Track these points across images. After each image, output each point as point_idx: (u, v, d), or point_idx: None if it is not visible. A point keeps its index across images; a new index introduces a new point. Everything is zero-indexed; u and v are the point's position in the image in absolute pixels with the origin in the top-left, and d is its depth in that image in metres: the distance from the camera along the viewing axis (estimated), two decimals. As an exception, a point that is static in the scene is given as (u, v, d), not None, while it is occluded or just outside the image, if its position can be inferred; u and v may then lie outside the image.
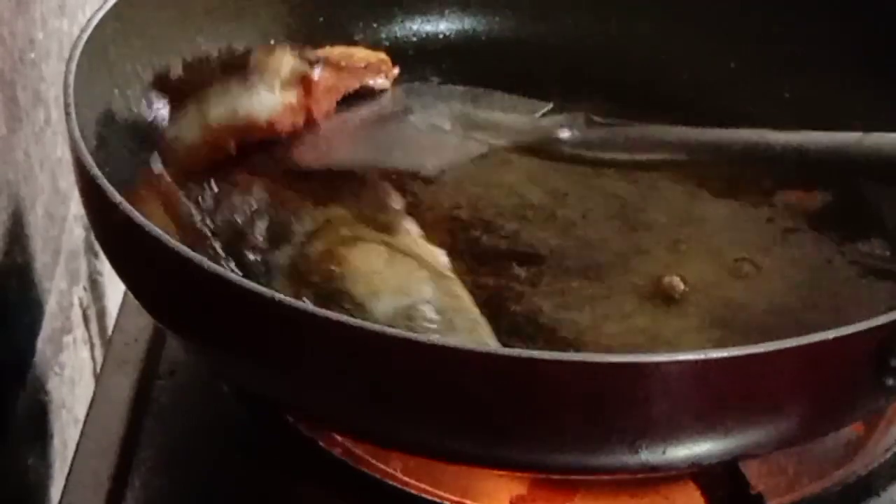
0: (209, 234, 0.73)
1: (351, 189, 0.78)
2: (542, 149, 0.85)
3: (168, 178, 0.76)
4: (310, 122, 0.82)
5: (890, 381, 0.61)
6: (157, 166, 0.78)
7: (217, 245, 0.73)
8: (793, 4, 0.90)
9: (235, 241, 0.73)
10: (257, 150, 0.80)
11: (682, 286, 0.75)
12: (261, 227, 0.74)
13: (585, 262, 0.76)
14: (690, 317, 0.74)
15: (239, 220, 0.74)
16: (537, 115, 0.87)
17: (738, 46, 0.90)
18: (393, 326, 0.66)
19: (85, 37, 0.76)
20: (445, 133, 0.86)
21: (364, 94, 0.86)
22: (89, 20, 0.78)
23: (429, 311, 0.68)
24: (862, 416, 0.72)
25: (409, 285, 0.70)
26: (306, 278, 0.71)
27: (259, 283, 0.67)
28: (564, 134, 0.85)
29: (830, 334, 0.60)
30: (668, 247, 0.78)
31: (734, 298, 0.75)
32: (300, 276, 0.71)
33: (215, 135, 0.79)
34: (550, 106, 0.88)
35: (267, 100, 0.80)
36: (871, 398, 0.64)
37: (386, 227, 0.75)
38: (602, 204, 0.81)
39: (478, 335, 0.68)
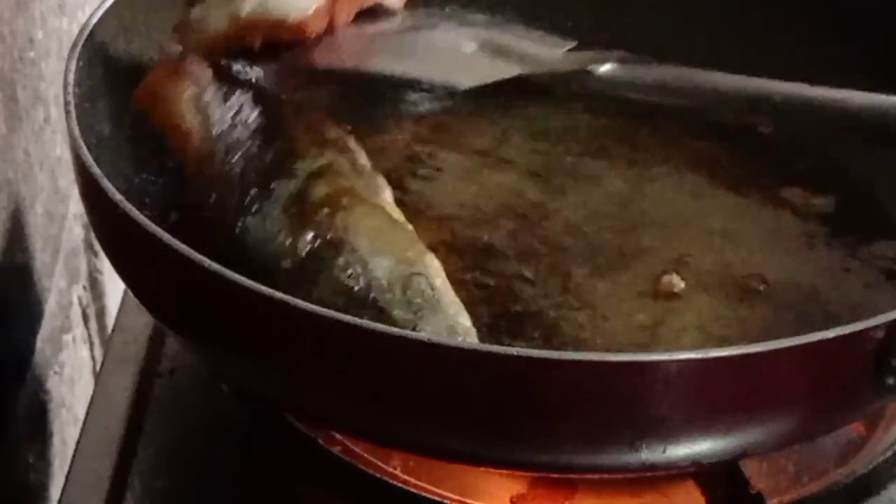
0: (216, 146, 0.72)
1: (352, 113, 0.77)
2: (572, 81, 0.84)
3: (198, 61, 0.76)
4: (330, 30, 0.80)
5: (890, 381, 0.61)
6: (176, 47, 0.78)
7: (223, 163, 0.72)
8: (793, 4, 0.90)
9: (239, 165, 0.73)
10: (269, 53, 0.79)
11: (681, 284, 0.75)
12: (264, 150, 0.73)
13: (585, 261, 0.76)
14: (691, 316, 0.74)
15: (245, 136, 0.73)
16: (566, 49, 0.86)
17: (738, 46, 0.90)
18: (390, 290, 0.66)
19: (85, 36, 0.76)
20: (471, 53, 0.84)
21: (379, 13, 0.85)
22: (89, 19, 0.78)
23: (423, 284, 0.68)
24: (862, 416, 0.72)
25: (411, 254, 0.70)
26: (306, 219, 0.70)
27: (256, 216, 0.66)
28: (599, 69, 0.84)
29: (830, 333, 0.60)
30: (670, 245, 0.78)
31: (736, 297, 0.75)
32: (300, 215, 0.71)
33: (242, 27, 0.77)
34: (575, 44, 0.86)
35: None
36: (871, 398, 0.64)
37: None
38: (603, 202, 0.81)
39: (463, 318, 0.68)
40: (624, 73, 0.84)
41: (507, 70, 0.83)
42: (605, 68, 0.84)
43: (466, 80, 0.82)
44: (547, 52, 0.85)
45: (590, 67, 0.84)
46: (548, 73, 0.85)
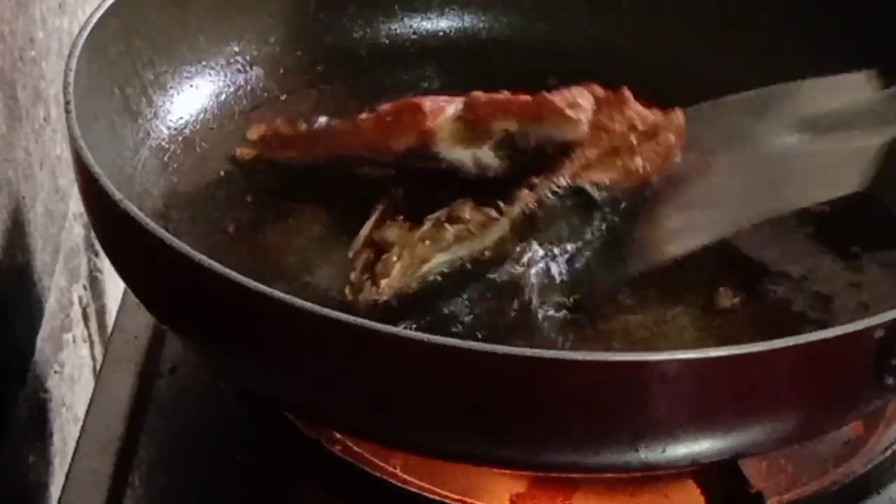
0: None
1: None
2: None
3: None
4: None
5: (890, 381, 0.61)
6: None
7: None
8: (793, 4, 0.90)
9: None
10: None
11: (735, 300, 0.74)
12: None
13: (585, 261, 0.76)
14: (691, 315, 0.74)
15: None
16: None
17: (738, 46, 0.90)
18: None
19: (85, 35, 0.76)
20: (816, 147, 0.79)
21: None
22: (89, 18, 0.78)
23: None
24: (861, 415, 0.72)
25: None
26: None
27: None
28: None
29: (830, 333, 0.60)
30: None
31: (736, 296, 0.75)
32: None
33: None
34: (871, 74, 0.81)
35: None
36: (870, 397, 0.65)
37: None
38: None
39: None
40: None
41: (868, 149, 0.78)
42: None
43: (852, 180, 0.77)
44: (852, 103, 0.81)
45: None
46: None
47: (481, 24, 0.95)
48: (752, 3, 0.91)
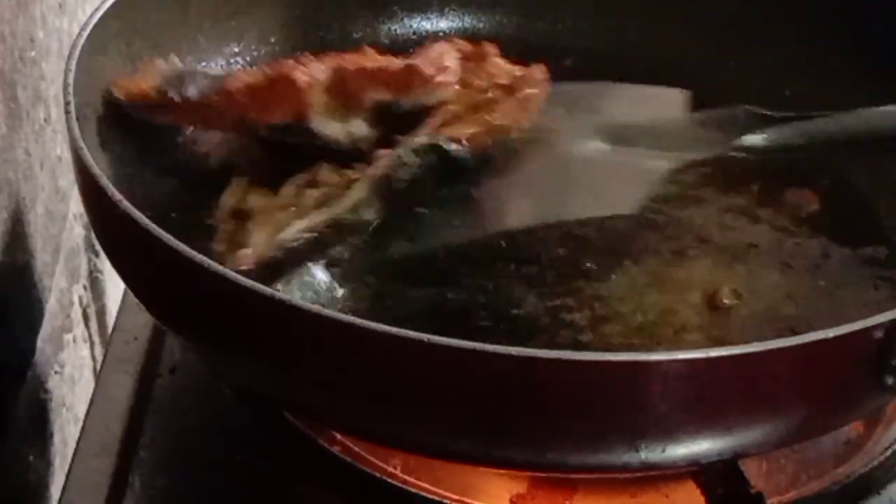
0: None
1: None
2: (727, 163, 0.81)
3: None
4: None
5: (890, 381, 0.61)
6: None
7: None
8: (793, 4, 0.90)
9: None
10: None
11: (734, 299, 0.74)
12: None
13: (585, 262, 0.76)
14: (691, 315, 0.74)
15: None
16: (682, 113, 0.84)
17: (738, 46, 0.90)
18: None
19: (85, 35, 0.76)
20: (611, 158, 0.81)
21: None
22: (89, 18, 0.78)
23: None
24: (862, 415, 0.72)
25: None
26: None
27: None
28: (748, 140, 0.82)
29: (830, 333, 0.60)
30: (672, 246, 0.78)
31: (734, 294, 0.75)
32: None
33: None
34: (686, 94, 0.84)
35: None
36: (870, 397, 0.65)
37: None
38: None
39: None
40: (774, 136, 0.82)
41: (661, 168, 0.80)
42: (752, 140, 0.82)
43: (631, 201, 0.79)
44: (670, 124, 0.83)
45: (734, 143, 0.82)
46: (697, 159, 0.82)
47: (481, 24, 0.95)
48: (753, 3, 0.91)
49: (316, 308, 0.61)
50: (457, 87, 0.79)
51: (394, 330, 0.61)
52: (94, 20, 0.78)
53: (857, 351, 0.61)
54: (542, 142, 0.81)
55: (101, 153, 0.74)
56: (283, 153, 0.78)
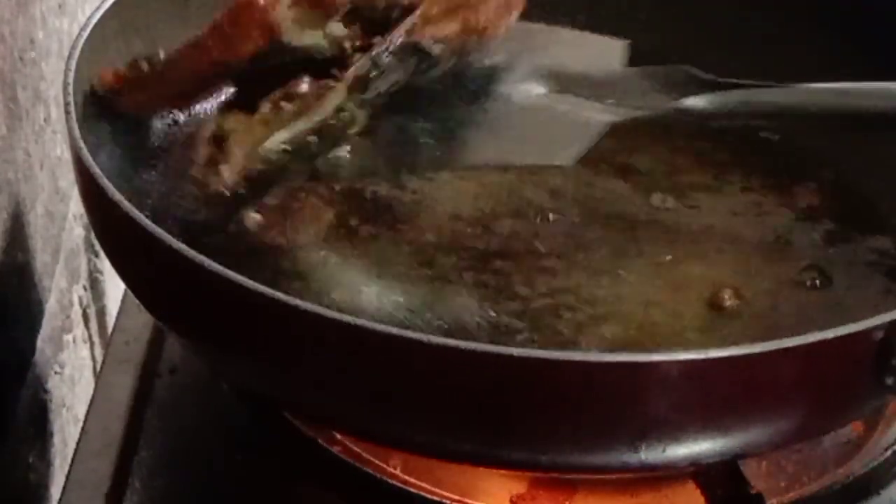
0: None
1: None
2: (663, 123, 0.81)
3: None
4: None
5: (890, 381, 0.61)
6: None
7: None
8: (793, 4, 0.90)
9: None
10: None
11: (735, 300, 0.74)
12: None
13: (585, 261, 0.76)
14: (691, 316, 0.74)
15: None
16: (623, 67, 0.83)
17: (739, 46, 0.90)
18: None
19: (85, 35, 0.76)
20: (549, 106, 0.80)
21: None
22: (89, 19, 0.78)
23: None
24: (862, 416, 0.72)
25: None
26: None
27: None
28: (689, 101, 0.82)
29: (830, 333, 0.60)
30: (672, 246, 0.78)
31: (732, 294, 0.75)
32: None
33: None
34: (626, 43, 0.83)
35: None
36: (871, 397, 0.65)
37: None
38: (601, 203, 0.81)
39: None
40: (716, 100, 0.83)
41: (601, 129, 0.80)
42: (692, 101, 0.82)
43: (569, 152, 0.79)
44: (613, 75, 0.83)
45: (674, 105, 0.82)
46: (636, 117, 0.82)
47: (481, 25, 0.95)
48: (754, 3, 0.91)
49: (316, 308, 0.61)
50: None
51: (394, 330, 0.61)
52: (94, 20, 0.78)
53: (857, 351, 0.61)
54: (487, 77, 0.81)
55: (101, 153, 0.74)
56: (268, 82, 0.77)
